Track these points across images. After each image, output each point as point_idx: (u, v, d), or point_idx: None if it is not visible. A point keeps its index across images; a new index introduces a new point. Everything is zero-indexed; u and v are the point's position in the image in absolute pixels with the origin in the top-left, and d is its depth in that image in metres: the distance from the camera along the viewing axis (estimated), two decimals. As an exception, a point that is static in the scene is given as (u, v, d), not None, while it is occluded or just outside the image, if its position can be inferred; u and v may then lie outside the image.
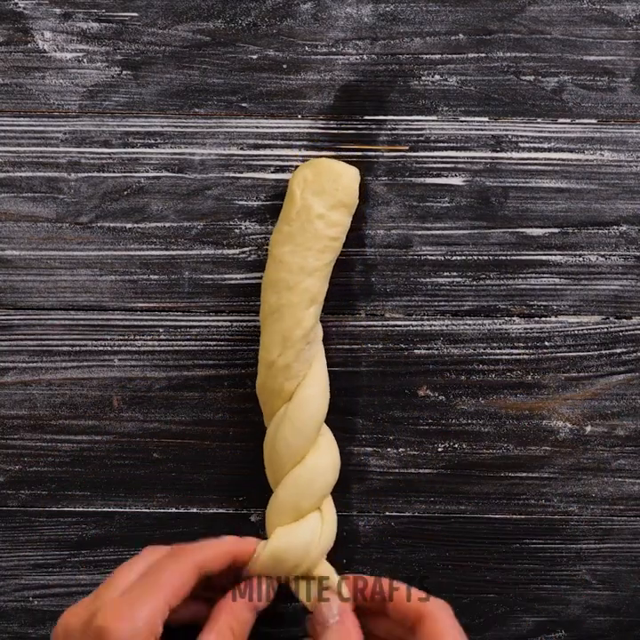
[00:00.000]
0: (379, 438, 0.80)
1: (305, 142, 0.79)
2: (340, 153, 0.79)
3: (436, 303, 0.79)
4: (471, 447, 0.80)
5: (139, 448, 0.80)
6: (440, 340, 0.79)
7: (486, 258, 0.79)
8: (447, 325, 0.79)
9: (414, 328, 0.79)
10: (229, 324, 0.79)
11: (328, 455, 0.75)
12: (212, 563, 0.69)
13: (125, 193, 0.79)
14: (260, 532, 0.80)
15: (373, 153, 0.79)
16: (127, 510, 0.80)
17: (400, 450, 0.80)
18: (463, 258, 0.79)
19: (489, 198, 0.79)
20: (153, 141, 0.79)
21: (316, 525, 0.74)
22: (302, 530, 0.74)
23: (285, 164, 0.79)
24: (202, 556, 0.68)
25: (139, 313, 0.79)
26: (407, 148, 0.79)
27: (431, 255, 0.79)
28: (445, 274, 0.79)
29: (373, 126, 0.79)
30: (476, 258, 0.79)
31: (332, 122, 0.79)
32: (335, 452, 0.76)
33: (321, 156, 0.78)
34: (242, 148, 0.79)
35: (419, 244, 0.79)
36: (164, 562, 0.67)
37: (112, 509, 0.80)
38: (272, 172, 0.79)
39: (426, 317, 0.79)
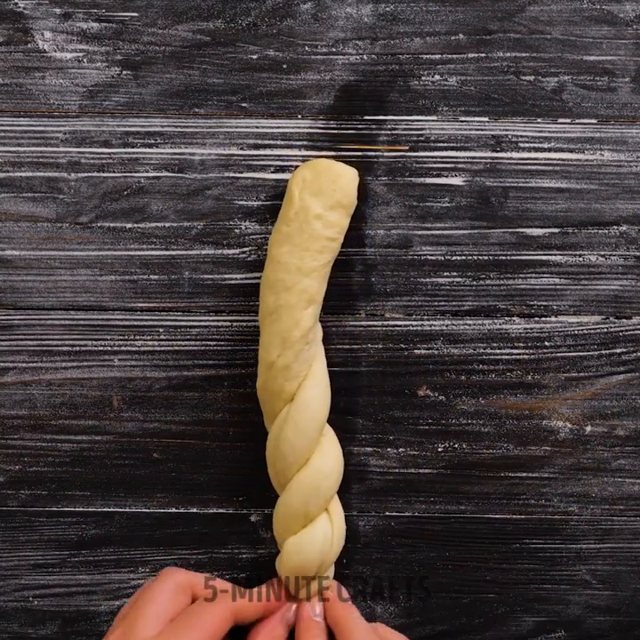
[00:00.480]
0: (379, 438, 0.80)
1: (305, 142, 0.79)
2: (340, 153, 0.79)
3: (435, 303, 0.79)
4: (471, 447, 0.80)
5: (139, 448, 0.80)
6: (440, 340, 0.79)
7: (486, 258, 0.79)
8: (447, 325, 0.79)
9: (414, 328, 0.79)
10: (229, 324, 0.79)
11: (332, 456, 0.75)
12: (247, 613, 0.71)
13: (125, 193, 0.79)
14: (260, 531, 0.80)
15: (373, 153, 0.79)
16: (127, 510, 0.80)
17: (400, 450, 0.80)
18: (463, 258, 0.79)
19: (489, 198, 0.79)
20: (153, 141, 0.79)
21: (327, 529, 0.74)
22: (314, 536, 0.74)
23: (285, 164, 0.79)
24: (239, 605, 0.70)
25: (139, 313, 0.79)
26: (407, 147, 0.79)
27: (431, 255, 0.79)
28: (445, 274, 0.79)
29: (373, 126, 0.79)
30: (475, 258, 0.79)
31: (332, 122, 0.79)
32: (338, 453, 0.76)
33: (321, 157, 0.78)
34: (242, 148, 0.79)
35: (419, 244, 0.79)
36: (201, 607, 0.68)
37: (112, 509, 0.80)
38: (272, 172, 0.79)
39: (426, 317, 0.79)
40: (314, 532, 0.74)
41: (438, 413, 0.80)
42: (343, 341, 0.80)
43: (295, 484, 0.74)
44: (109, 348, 0.79)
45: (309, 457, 0.74)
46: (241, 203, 0.79)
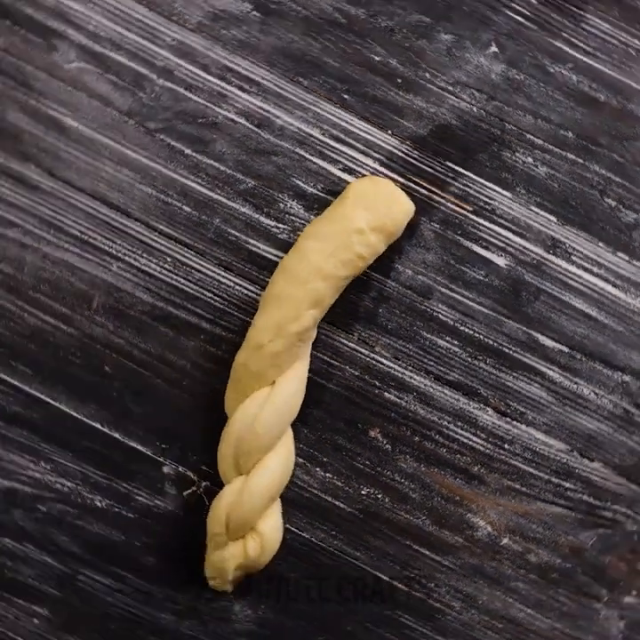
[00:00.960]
0: (313, 455, 0.80)
1: (382, 157, 0.79)
2: (408, 183, 0.79)
3: (425, 360, 0.79)
4: (393, 505, 0.80)
5: (95, 354, 0.79)
6: (413, 395, 0.79)
7: (491, 343, 0.79)
8: (426, 385, 0.79)
9: (395, 373, 0.79)
10: (233, 285, 0.79)
11: (291, 447, 0.77)
12: None
13: (200, 121, 0.78)
14: (166, 484, 0.79)
15: (438, 199, 0.79)
16: (57, 405, 0.79)
17: (327, 475, 0.80)
18: (471, 332, 0.79)
19: (520, 291, 0.79)
20: (248, 88, 0.78)
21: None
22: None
23: (355, 167, 0.79)
24: None
25: (157, 234, 0.79)
26: (471, 209, 0.79)
27: (443, 315, 0.79)
28: (447, 338, 0.79)
29: (450, 175, 0.79)
30: (482, 338, 0.79)
31: (415, 151, 0.79)
32: (293, 446, 0.77)
33: (390, 178, 0.78)
34: (323, 134, 0.79)
35: (438, 300, 0.79)
36: None
37: (44, 398, 0.79)
38: (339, 169, 0.79)
39: (410, 368, 0.79)
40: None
41: (378, 459, 0.80)
42: (326, 352, 0.79)
43: (268, 465, 0.75)
44: (114, 252, 0.79)
45: (276, 443, 0.75)
46: (298, 182, 0.79)
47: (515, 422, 0.79)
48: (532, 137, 0.78)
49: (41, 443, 0.79)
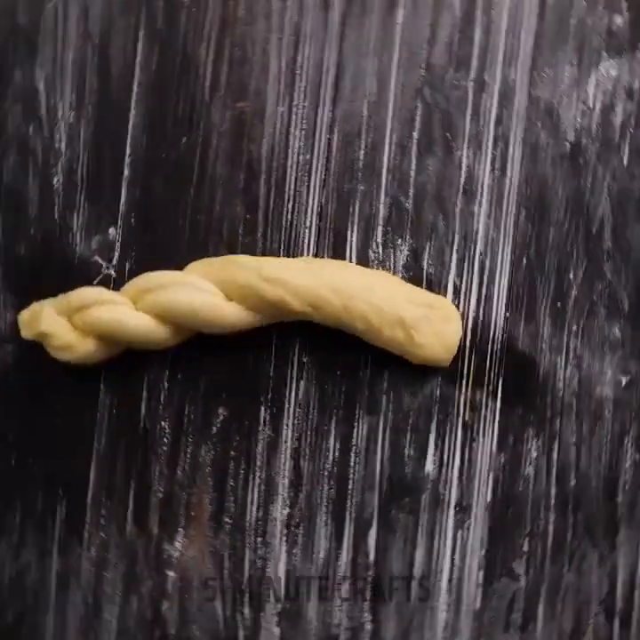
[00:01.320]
0: (174, 375, 0.79)
1: (482, 319, 0.79)
2: (468, 347, 0.79)
3: (308, 435, 0.79)
4: (160, 470, 0.79)
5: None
6: (269, 438, 0.79)
7: (348, 492, 0.78)
8: (286, 447, 0.79)
9: (287, 411, 0.79)
10: (307, 227, 0.79)
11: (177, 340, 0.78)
12: None
13: (447, 134, 0.79)
14: (97, 237, 0.80)
15: (464, 384, 0.79)
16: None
17: (164, 395, 0.79)
18: (347, 472, 0.78)
19: (405, 497, 0.78)
20: (495, 167, 0.79)
21: None
22: None
23: (461, 295, 0.79)
24: None
25: (325, 129, 0.80)
26: (467, 419, 0.78)
27: (356, 437, 0.78)
28: (338, 447, 0.79)
29: (491, 386, 0.78)
30: (349, 489, 0.79)
31: (500, 346, 0.79)
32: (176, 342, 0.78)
33: (463, 330, 0.78)
34: (481, 254, 0.79)
35: (369, 424, 0.78)
36: None
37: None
38: (454, 282, 0.79)
39: (295, 428, 0.79)
40: None
41: (200, 426, 0.79)
42: (275, 340, 0.79)
43: (151, 327, 0.76)
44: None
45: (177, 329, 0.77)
46: (427, 249, 0.79)
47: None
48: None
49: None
